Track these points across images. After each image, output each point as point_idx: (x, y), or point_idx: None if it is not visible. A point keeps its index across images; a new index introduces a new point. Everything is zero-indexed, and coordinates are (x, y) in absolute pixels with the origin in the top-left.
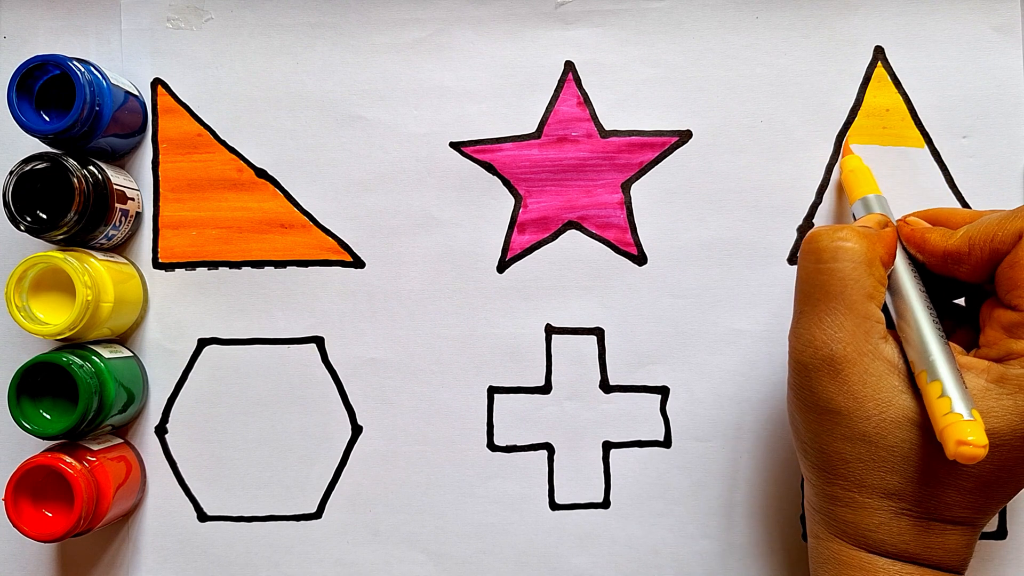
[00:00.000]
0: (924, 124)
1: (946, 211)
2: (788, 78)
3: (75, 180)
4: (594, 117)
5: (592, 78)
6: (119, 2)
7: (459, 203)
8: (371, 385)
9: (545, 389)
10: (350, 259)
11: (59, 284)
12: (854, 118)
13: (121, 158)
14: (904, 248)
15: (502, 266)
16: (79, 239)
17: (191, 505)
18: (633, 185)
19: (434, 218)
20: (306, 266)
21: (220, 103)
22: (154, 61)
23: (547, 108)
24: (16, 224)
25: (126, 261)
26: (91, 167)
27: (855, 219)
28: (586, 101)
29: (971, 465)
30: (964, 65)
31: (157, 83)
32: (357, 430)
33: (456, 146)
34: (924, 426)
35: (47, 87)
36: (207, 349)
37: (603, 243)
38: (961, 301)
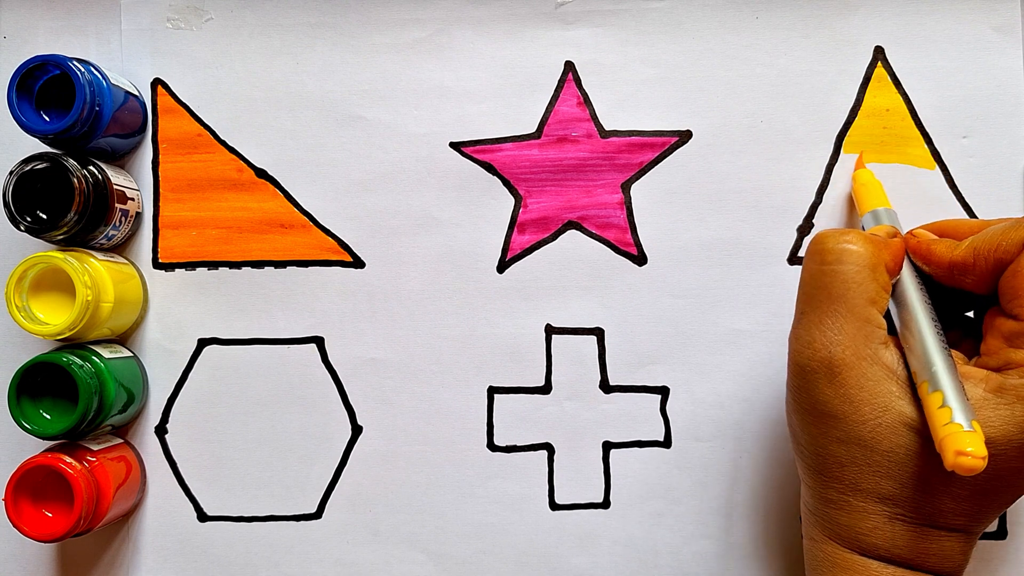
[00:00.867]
0: (924, 124)
1: (952, 222)
2: (788, 78)
3: (75, 180)
4: (594, 117)
5: (592, 78)
6: (119, 2)
7: (459, 203)
8: (371, 385)
9: (545, 389)
10: (350, 259)
11: (59, 284)
12: (854, 118)
13: (121, 158)
14: (911, 260)
15: (502, 266)
16: (79, 239)
17: (191, 505)
18: (633, 185)
19: (434, 218)
20: (306, 266)
21: (220, 103)
22: (154, 61)
23: (547, 108)
24: (16, 224)
25: (126, 261)
26: (91, 167)
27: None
28: (586, 101)
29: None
30: (964, 65)
31: (157, 83)
32: (357, 430)
33: (456, 146)
34: (921, 433)
35: (47, 87)
36: (207, 349)
37: (603, 243)
38: (971, 314)
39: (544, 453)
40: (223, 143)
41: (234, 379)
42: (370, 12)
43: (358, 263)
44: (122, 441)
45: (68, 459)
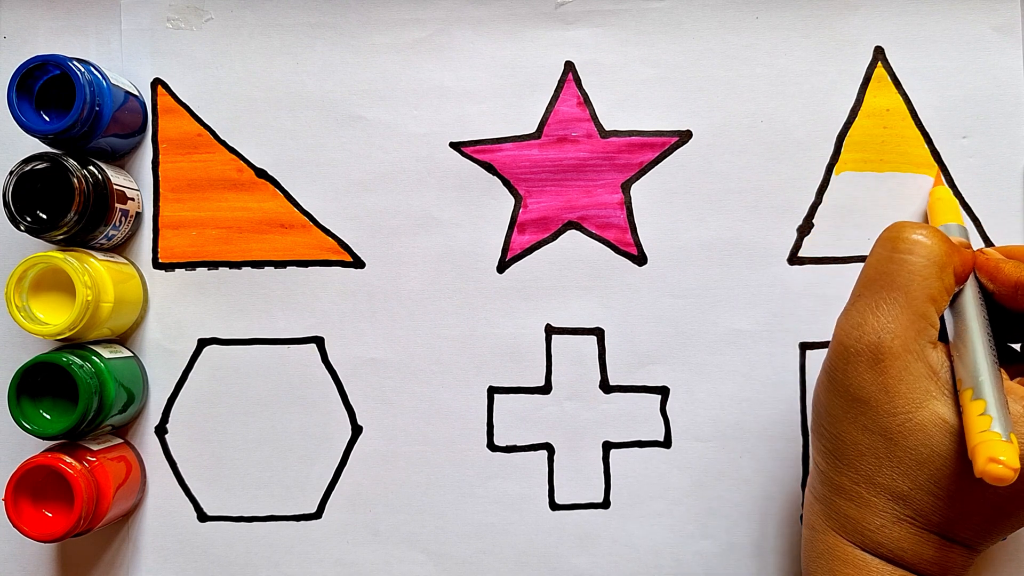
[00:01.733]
0: (924, 124)
1: (1022, 248)
2: (788, 78)
3: (75, 180)
4: (594, 117)
5: (592, 78)
6: (119, 2)
7: (459, 203)
8: (371, 385)
9: (545, 389)
10: (350, 259)
11: (59, 284)
12: (854, 118)
13: (121, 158)
14: (976, 278)
15: (502, 266)
16: (79, 239)
17: (191, 505)
18: (633, 185)
19: (434, 218)
20: (306, 266)
21: (220, 103)
22: (154, 61)
23: (547, 108)
24: (16, 224)
25: (126, 261)
26: (91, 167)
27: None
28: (586, 101)
29: (991, 487)
30: (964, 65)
31: (157, 83)
32: (357, 430)
33: (456, 146)
34: (949, 437)
35: (47, 87)
36: (207, 349)
37: (603, 243)
38: (1018, 347)
39: (544, 453)
40: (223, 143)
41: (234, 379)
42: (370, 12)
43: (358, 263)
44: (122, 441)
45: (68, 459)
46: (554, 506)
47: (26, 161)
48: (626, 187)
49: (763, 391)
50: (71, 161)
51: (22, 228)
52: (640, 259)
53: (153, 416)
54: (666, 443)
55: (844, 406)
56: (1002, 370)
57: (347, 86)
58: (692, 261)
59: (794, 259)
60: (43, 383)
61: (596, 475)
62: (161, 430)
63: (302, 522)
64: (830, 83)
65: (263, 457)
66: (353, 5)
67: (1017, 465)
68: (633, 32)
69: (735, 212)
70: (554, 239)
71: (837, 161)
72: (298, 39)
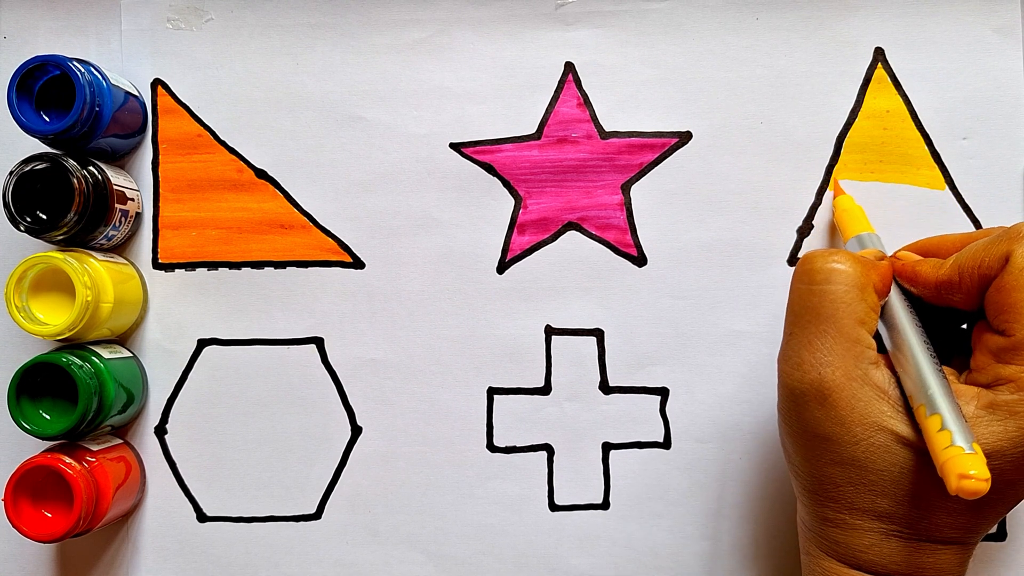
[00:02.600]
0: (924, 126)
1: (935, 240)
2: (788, 79)
3: (75, 180)
4: (594, 118)
5: (592, 79)
6: (119, 2)
7: (459, 204)
8: (371, 386)
9: (545, 390)
10: (350, 260)
11: (59, 284)
12: (854, 120)
13: (121, 158)
14: (898, 283)
15: (502, 267)
16: (79, 239)
17: (191, 505)
18: (633, 186)
19: (434, 219)
20: (306, 267)
21: (220, 103)
22: (154, 61)
23: (547, 109)
24: (16, 224)
25: (126, 261)
26: (91, 167)
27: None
28: (586, 102)
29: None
30: (964, 67)
31: (157, 83)
32: (357, 431)
33: (456, 147)
34: (914, 450)
35: (47, 87)
36: (207, 349)
37: (603, 244)
38: (966, 326)
39: (544, 454)
40: (223, 143)
41: (234, 379)
42: (370, 13)
43: (358, 264)
44: (122, 441)
45: (68, 459)
46: (554, 507)
47: (26, 161)
48: (626, 188)
49: (763, 392)
50: (71, 161)
51: (22, 228)
52: (640, 260)
53: (153, 416)
54: (666, 444)
55: (807, 445)
56: (947, 370)
57: (347, 86)
58: (692, 262)
59: (794, 260)
60: (43, 383)
61: (596, 476)
62: (161, 430)
63: (302, 523)
64: (830, 84)
65: (263, 457)
66: (353, 5)
67: (987, 475)
68: (633, 33)
69: (735, 213)
70: (554, 240)
71: (837, 162)
72: (298, 39)
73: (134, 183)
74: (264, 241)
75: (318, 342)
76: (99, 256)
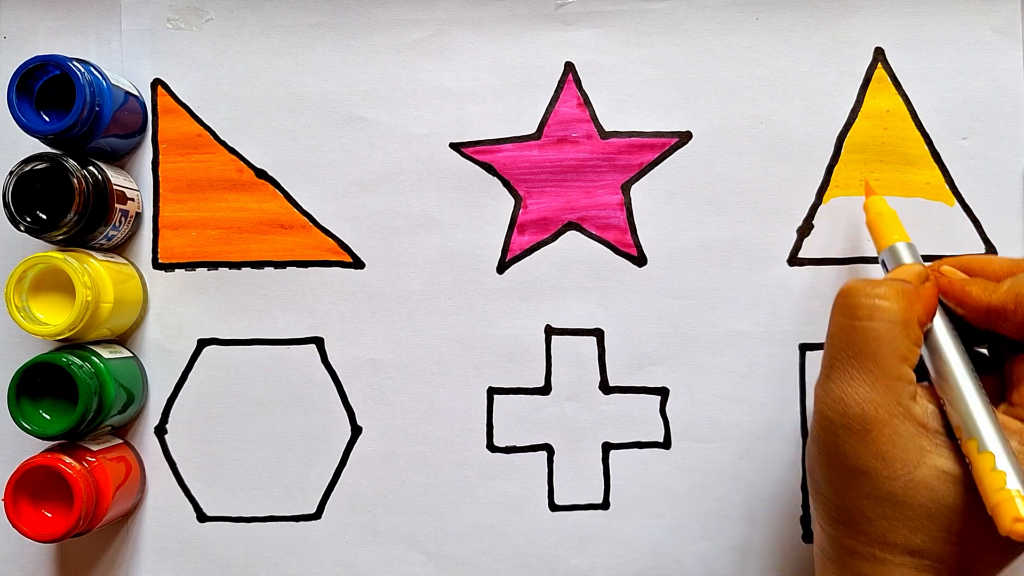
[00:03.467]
0: (924, 126)
1: (980, 260)
2: (788, 79)
3: (75, 180)
4: (594, 118)
5: (592, 79)
6: (119, 2)
7: (459, 204)
8: (371, 386)
9: (545, 390)
10: (350, 260)
11: (59, 284)
12: (854, 120)
13: (121, 158)
14: (942, 303)
15: (502, 267)
16: (79, 239)
17: (191, 505)
18: (633, 186)
19: (434, 219)
20: (306, 267)
21: (220, 103)
22: (154, 61)
23: (547, 109)
24: (16, 224)
25: (126, 261)
26: (91, 167)
27: (884, 266)
28: (586, 102)
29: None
30: (964, 67)
31: (157, 83)
32: (357, 431)
33: (456, 147)
34: (955, 485)
35: (47, 87)
36: (207, 349)
37: (603, 244)
38: (986, 351)
39: (544, 454)
40: (223, 143)
41: (234, 379)
42: (370, 13)
43: (358, 264)
44: (122, 441)
45: (68, 459)
46: (554, 507)
47: (26, 161)
48: (626, 188)
49: (763, 392)
50: (71, 161)
51: (22, 228)
52: (640, 260)
53: (153, 416)
54: (666, 444)
55: (843, 478)
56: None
57: (347, 86)
58: (692, 262)
59: (794, 260)
60: (43, 383)
61: (596, 476)
62: (161, 430)
63: (302, 523)
64: (830, 84)
65: (263, 457)
66: (353, 5)
67: None
68: (633, 33)
69: (735, 213)
70: (554, 240)
71: (837, 163)
72: (298, 39)
73: (134, 183)
74: (264, 241)
75: (318, 342)
76: (99, 256)
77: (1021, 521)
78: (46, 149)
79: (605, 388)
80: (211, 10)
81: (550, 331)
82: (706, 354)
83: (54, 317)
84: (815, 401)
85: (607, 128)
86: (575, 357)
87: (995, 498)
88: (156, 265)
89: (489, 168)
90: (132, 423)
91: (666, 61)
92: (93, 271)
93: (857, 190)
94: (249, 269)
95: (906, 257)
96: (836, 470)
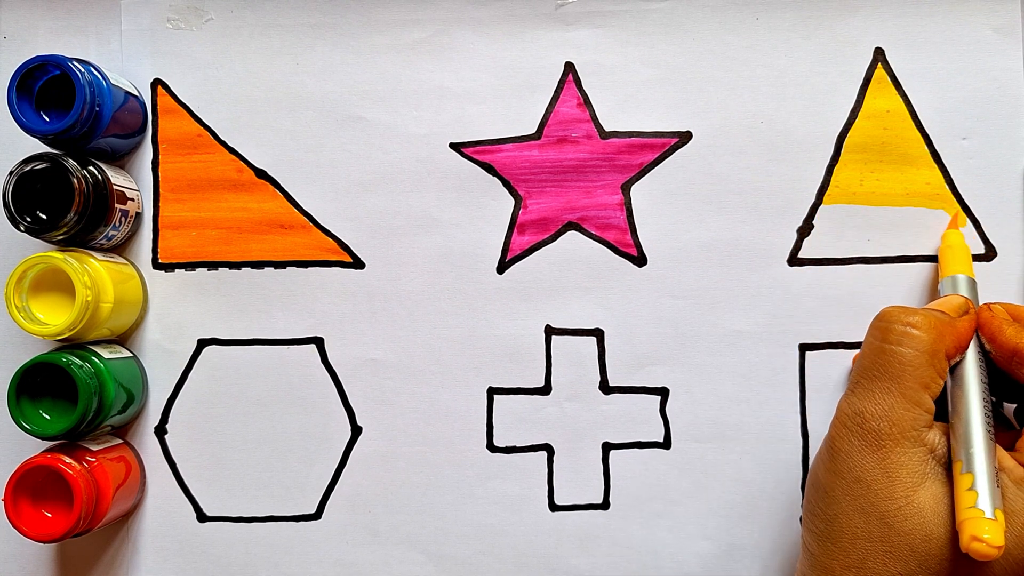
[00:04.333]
0: (924, 126)
1: None
2: (788, 79)
3: (75, 180)
4: (594, 118)
5: (592, 79)
6: (119, 2)
7: (459, 204)
8: (371, 386)
9: (545, 390)
10: (350, 260)
11: (59, 284)
12: (854, 120)
13: (121, 158)
14: (979, 337)
15: (502, 267)
16: (79, 239)
17: (191, 505)
18: (633, 186)
19: (434, 219)
20: (306, 267)
21: (220, 103)
22: (154, 61)
23: (547, 109)
24: (16, 224)
25: (126, 261)
26: (91, 167)
27: (941, 295)
28: (586, 102)
29: (983, 564)
30: (964, 67)
31: (157, 83)
32: (357, 431)
33: (456, 147)
34: (942, 518)
35: (47, 87)
36: (207, 349)
37: (603, 244)
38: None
39: (544, 454)
40: (223, 143)
41: (234, 379)
42: (370, 13)
43: (358, 264)
44: (122, 441)
45: (68, 459)
46: (554, 507)
47: (26, 161)
48: (626, 188)
49: (763, 392)
50: (71, 161)
51: (22, 228)
52: (640, 260)
53: (153, 416)
54: (666, 444)
55: (844, 486)
56: (996, 443)
57: (347, 86)
58: (692, 262)
59: (794, 260)
60: (43, 383)
61: (596, 476)
62: (161, 430)
63: (301, 523)
64: (830, 84)
65: (263, 457)
66: (353, 5)
67: (1000, 543)
68: (633, 33)
69: (735, 213)
70: (554, 240)
71: (837, 162)
72: (298, 39)
73: (134, 183)
74: (264, 241)
75: (318, 342)
76: (99, 256)
77: (979, 541)
78: (46, 149)
79: (605, 388)
80: (211, 10)
81: (550, 331)
82: (706, 354)
83: (54, 317)
84: (837, 411)
85: (607, 128)
86: (575, 357)
87: (962, 515)
88: (156, 265)
89: (489, 168)
90: (132, 423)
91: (666, 61)
92: (93, 271)
93: (858, 198)
94: (249, 269)
95: (960, 289)
96: (840, 477)
